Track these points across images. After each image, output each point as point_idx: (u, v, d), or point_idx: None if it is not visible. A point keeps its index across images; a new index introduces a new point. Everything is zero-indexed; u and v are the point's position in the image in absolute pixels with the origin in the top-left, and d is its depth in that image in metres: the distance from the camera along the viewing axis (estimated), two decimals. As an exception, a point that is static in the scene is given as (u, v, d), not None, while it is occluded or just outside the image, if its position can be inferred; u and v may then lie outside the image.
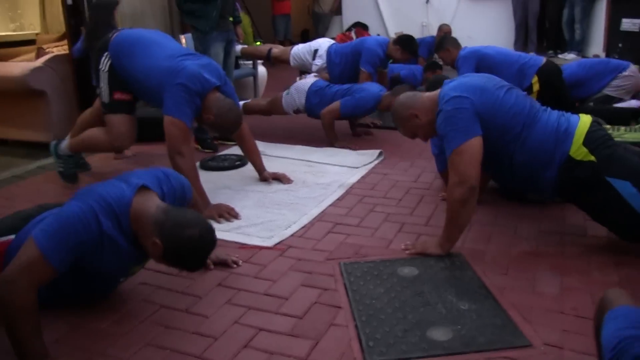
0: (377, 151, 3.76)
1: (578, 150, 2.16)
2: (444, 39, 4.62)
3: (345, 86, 4.07)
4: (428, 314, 1.84)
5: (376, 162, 3.63)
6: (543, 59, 3.98)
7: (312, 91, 4.16)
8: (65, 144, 3.27)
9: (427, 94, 2.43)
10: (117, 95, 3.01)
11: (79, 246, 1.65)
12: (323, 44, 4.80)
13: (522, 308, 1.87)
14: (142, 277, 2.19)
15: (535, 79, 3.82)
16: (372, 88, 4.00)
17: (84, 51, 4.19)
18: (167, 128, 2.74)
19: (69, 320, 1.89)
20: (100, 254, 1.71)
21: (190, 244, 1.68)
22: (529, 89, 3.80)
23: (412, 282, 2.05)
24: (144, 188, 1.79)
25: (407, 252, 2.31)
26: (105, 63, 2.99)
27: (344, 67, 4.48)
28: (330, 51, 4.62)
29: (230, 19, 4.24)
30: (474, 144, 2.13)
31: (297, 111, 4.26)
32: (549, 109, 2.34)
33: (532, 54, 4.48)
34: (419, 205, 2.86)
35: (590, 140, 2.16)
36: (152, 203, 1.75)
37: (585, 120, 2.23)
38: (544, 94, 3.77)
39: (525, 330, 1.74)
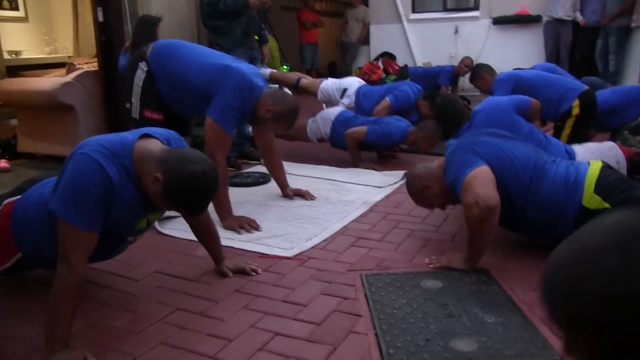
0: (403, 172, 3.71)
1: (591, 199, 2.07)
2: (479, 67, 4.56)
3: (372, 119, 4.07)
4: (452, 325, 1.76)
5: (401, 182, 3.57)
6: (585, 86, 3.92)
7: (339, 121, 4.15)
8: None
9: (436, 162, 2.40)
10: (147, 114, 2.90)
11: (98, 201, 1.62)
12: (353, 84, 4.80)
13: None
14: (159, 281, 2.18)
15: (576, 102, 3.75)
16: (401, 122, 3.98)
17: (124, 65, 4.31)
18: (207, 131, 2.69)
19: (86, 317, 1.87)
20: (112, 205, 1.68)
21: (193, 179, 1.64)
22: (567, 113, 3.74)
23: (435, 294, 1.98)
24: (147, 135, 1.77)
25: (431, 266, 2.24)
26: (140, 76, 2.89)
27: (370, 111, 4.39)
28: (359, 92, 4.63)
29: (256, 37, 4.29)
30: (483, 169, 2.09)
31: (320, 140, 4.25)
32: (557, 159, 2.28)
33: (573, 79, 4.41)
34: (444, 223, 2.78)
35: (602, 187, 2.07)
36: (155, 145, 1.73)
37: (594, 167, 2.16)
38: (581, 119, 3.71)
39: (555, 345, 1.64)
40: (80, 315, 1.84)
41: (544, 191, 2.13)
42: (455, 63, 7.15)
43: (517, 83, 3.92)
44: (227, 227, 2.68)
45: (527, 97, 3.45)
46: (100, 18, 4.41)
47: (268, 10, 4.56)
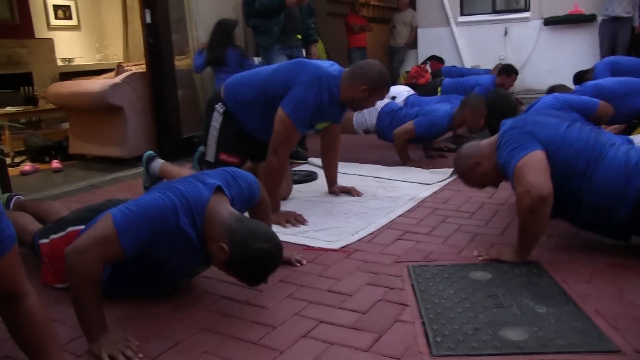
0: (451, 170, 3.63)
1: None
2: (555, 87, 4.39)
3: (414, 110, 4.03)
4: (501, 315, 1.69)
5: (449, 180, 3.51)
6: None
7: (385, 112, 4.14)
8: (158, 165, 2.93)
9: (486, 140, 2.32)
10: (223, 157, 2.86)
11: (153, 236, 1.64)
12: (402, 92, 4.78)
13: (608, 315, 1.68)
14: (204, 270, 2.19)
15: None
16: (443, 107, 3.94)
17: (205, 65, 4.60)
18: (277, 123, 2.65)
19: (130, 304, 1.91)
20: (170, 249, 1.70)
21: (258, 256, 1.62)
22: None
23: (484, 285, 1.91)
24: (219, 189, 1.78)
25: (480, 258, 2.17)
26: (217, 119, 2.87)
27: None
28: (407, 101, 4.62)
29: (299, 36, 4.30)
30: (537, 154, 1.98)
31: (366, 131, 4.24)
32: (617, 142, 2.14)
33: None
34: (494, 218, 2.70)
35: None
36: (224, 208, 1.73)
37: None
38: None
39: (612, 337, 1.56)
40: (124, 303, 1.89)
41: (601, 175, 2.01)
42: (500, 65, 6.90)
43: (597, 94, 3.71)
44: (274, 222, 2.68)
45: (595, 101, 3.36)
46: (148, 20, 4.53)
47: (314, 14, 4.58)
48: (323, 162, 3.26)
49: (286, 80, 2.67)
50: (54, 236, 2.05)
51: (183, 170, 2.73)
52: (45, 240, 2.08)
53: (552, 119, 2.18)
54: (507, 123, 2.20)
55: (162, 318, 1.81)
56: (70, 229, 2.02)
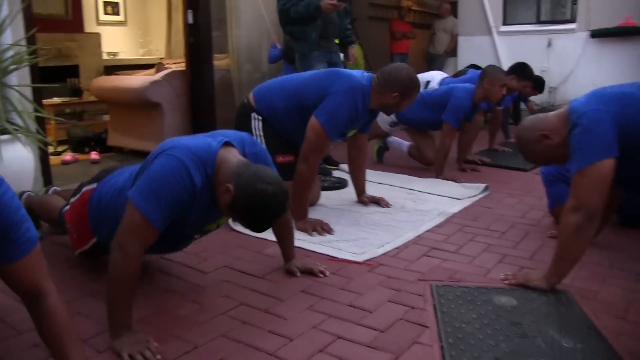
0: (483, 185, 3.57)
1: None
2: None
3: (436, 102, 3.96)
4: (524, 346, 1.64)
5: (481, 195, 3.44)
6: None
7: None
8: None
9: (554, 112, 2.13)
10: (280, 159, 2.80)
11: (175, 203, 1.66)
12: (436, 76, 4.73)
13: (641, 356, 1.61)
14: (227, 275, 2.20)
15: None
16: (461, 86, 3.97)
17: (280, 58, 4.89)
18: (309, 131, 2.65)
19: (153, 303, 1.93)
20: (188, 206, 1.71)
21: (261, 198, 1.61)
22: None
23: (508, 312, 1.86)
24: (228, 144, 1.79)
25: (506, 282, 2.11)
26: (257, 126, 2.85)
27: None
28: (442, 83, 4.54)
29: (336, 41, 4.26)
30: (604, 167, 1.85)
31: (393, 124, 4.23)
32: None
33: None
34: (524, 239, 2.63)
35: None
36: (234, 156, 1.74)
37: None
38: None
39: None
40: (148, 301, 1.92)
41: None
42: (547, 78, 6.74)
43: None
44: (300, 229, 2.68)
45: None
46: (190, 20, 4.59)
47: (350, 14, 4.54)
48: (351, 171, 3.24)
49: (320, 90, 2.68)
50: (72, 199, 2.15)
51: None
52: (67, 207, 2.18)
53: (633, 88, 1.98)
54: (578, 100, 2.00)
55: (183, 319, 1.83)
56: (84, 189, 2.10)
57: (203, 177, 1.69)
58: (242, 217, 1.68)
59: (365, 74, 2.80)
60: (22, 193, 2.59)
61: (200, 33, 4.61)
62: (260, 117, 2.87)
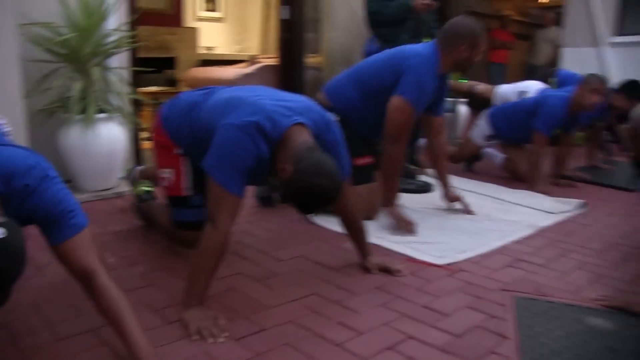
0: (580, 201, 3.32)
1: None
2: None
3: (522, 103, 3.85)
4: (618, 372, 1.48)
5: (576, 212, 3.20)
6: None
7: (490, 113, 4.11)
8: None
9: None
10: (359, 162, 2.63)
11: (248, 169, 1.69)
12: (532, 86, 4.50)
13: None
14: (302, 265, 2.18)
15: None
16: (555, 94, 3.77)
17: (374, 51, 4.74)
18: (393, 112, 2.55)
19: (226, 283, 1.95)
20: (257, 168, 1.73)
21: (315, 190, 1.61)
22: None
23: (602, 335, 1.69)
24: (301, 125, 1.77)
25: (601, 303, 1.92)
26: None
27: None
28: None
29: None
30: None
31: (488, 138, 4.07)
32: None
33: None
34: (626, 262, 2.40)
35: None
36: (302, 137, 1.72)
37: None
38: None
39: None
40: (219, 282, 1.92)
41: None
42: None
43: None
44: (390, 215, 2.66)
45: None
46: (284, 16, 4.65)
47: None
48: (437, 167, 3.07)
49: (395, 68, 2.60)
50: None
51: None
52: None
53: None
54: None
55: (254, 302, 1.82)
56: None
57: (269, 146, 1.71)
58: (290, 197, 1.68)
59: (427, 43, 2.74)
60: (131, 169, 2.72)
61: (293, 30, 4.66)
62: (338, 119, 2.79)
